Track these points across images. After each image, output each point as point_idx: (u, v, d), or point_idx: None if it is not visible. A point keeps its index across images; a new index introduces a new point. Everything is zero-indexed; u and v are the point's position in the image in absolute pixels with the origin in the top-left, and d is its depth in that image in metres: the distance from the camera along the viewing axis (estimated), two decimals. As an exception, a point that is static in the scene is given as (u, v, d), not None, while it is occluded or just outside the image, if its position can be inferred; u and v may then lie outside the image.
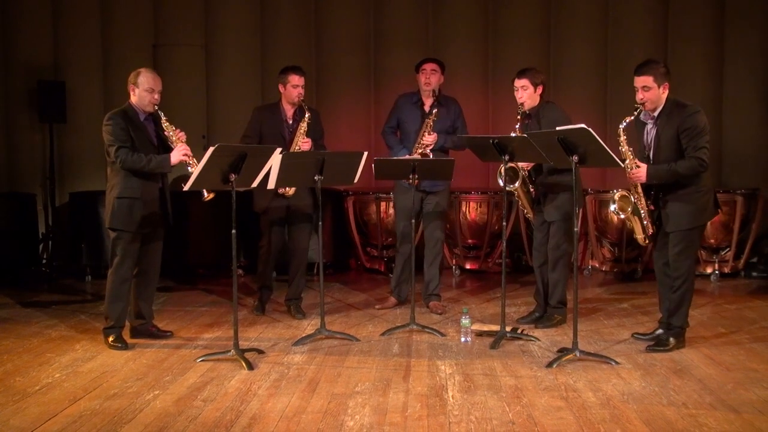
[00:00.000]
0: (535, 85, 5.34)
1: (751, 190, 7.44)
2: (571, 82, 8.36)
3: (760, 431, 3.47)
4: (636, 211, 4.83)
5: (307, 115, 5.64)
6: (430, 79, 5.90)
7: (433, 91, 5.87)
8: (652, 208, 4.83)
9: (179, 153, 4.93)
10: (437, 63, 6.00)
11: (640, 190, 4.82)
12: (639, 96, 4.72)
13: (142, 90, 4.96)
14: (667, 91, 4.75)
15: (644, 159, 4.83)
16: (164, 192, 5.11)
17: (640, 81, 4.71)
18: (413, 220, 5.64)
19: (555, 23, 8.53)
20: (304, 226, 5.90)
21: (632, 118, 4.75)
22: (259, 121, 5.82)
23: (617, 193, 4.81)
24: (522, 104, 5.33)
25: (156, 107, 5.00)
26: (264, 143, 5.56)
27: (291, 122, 5.78)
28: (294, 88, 5.71)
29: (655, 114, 4.77)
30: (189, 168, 4.89)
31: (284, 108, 5.80)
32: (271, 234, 5.85)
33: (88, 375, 4.41)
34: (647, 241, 4.95)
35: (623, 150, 4.74)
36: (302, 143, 5.61)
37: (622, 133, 4.73)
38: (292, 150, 5.55)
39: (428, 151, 5.76)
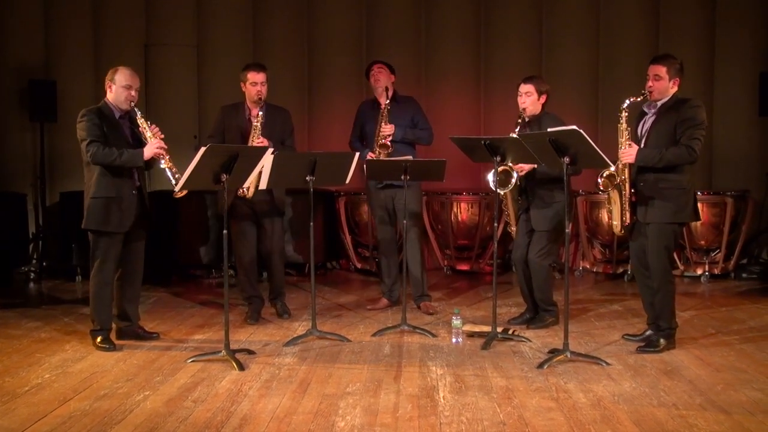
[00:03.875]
0: (540, 93, 5.34)
1: (741, 192, 7.48)
2: (563, 84, 8.35)
3: (750, 432, 3.50)
4: (618, 190, 4.80)
5: (260, 114, 5.46)
6: (378, 77, 5.99)
7: (386, 88, 5.92)
8: (634, 199, 4.84)
9: (152, 147, 4.86)
10: (383, 63, 6.11)
11: (627, 174, 4.82)
12: (648, 83, 4.80)
13: (119, 86, 4.93)
14: (676, 87, 4.81)
15: None
16: (143, 191, 5.07)
17: (653, 69, 4.80)
18: (390, 221, 5.62)
19: (547, 26, 8.54)
20: (274, 225, 5.73)
21: (637, 99, 4.79)
22: (222, 120, 5.71)
23: (606, 171, 4.74)
24: (524, 110, 5.33)
25: (132, 104, 4.96)
26: (226, 142, 5.45)
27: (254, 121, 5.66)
28: (252, 85, 5.54)
29: (658, 104, 4.82)
30: (162, 164, 4.85)
31: (247, 107, 5.67)
32: (245, 239, 5.68)
33: (78, 375, 4.39)
34: (622, 231, 4.93)
35: (621, 128, 4.77)
36: (257, 143, 5.39)
37: (623, 112, 4.77)
38: None
39: (388, 142, 5.80)
